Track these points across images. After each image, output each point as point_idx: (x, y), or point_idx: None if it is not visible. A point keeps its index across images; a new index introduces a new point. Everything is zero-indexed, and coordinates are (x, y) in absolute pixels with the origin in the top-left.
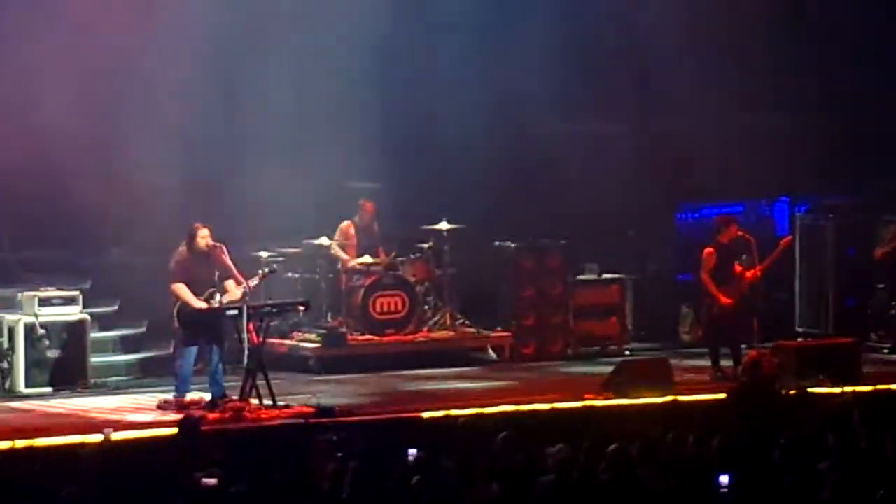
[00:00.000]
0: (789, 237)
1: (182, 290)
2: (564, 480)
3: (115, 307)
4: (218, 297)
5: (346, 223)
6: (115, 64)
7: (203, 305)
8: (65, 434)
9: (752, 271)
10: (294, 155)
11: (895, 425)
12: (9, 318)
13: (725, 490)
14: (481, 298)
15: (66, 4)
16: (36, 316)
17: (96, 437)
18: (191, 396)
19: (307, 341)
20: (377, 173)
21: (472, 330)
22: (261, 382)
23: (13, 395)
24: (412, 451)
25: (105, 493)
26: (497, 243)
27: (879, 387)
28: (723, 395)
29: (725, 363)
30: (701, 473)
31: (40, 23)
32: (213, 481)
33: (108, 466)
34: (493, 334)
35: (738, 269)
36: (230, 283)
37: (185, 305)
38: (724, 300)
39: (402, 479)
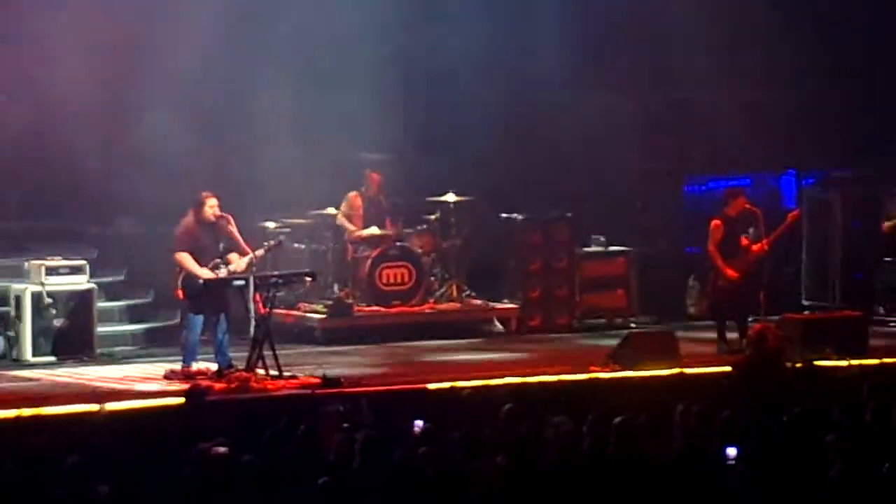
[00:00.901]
0: (797, 211)
1: (186, 259)
2: (569, 452)
3: (122, 277)
4: (224, 267)
5: (352, 194)
6: (122, 34)
7: (208, 275)
8: (71, 403)
9: (759, 244)
10: (301, 126)
11: None
12: (16, 286)
13: (733, 462)
14: (488, 270)
15: None
16: (43, 285)
17: (101, 407)
18: (197, 366)
19: (313, 312)
20: (384, 144)
21: (478, 302)
22: (267, 353)
23: (20, 363)
24: (418, 423)
25: (110, 462)
26: (504, 215)
27: (886, 360)
28: (728, 368)
29: (731, 336)
30: (707, 446)
31: None
32: (223, 449)
33: (113, 435)
34: (499, 306)
35: (745, 242)
36: (235, 255)
37: (191, 275)
38: (731, 273)
39: (408, 450)
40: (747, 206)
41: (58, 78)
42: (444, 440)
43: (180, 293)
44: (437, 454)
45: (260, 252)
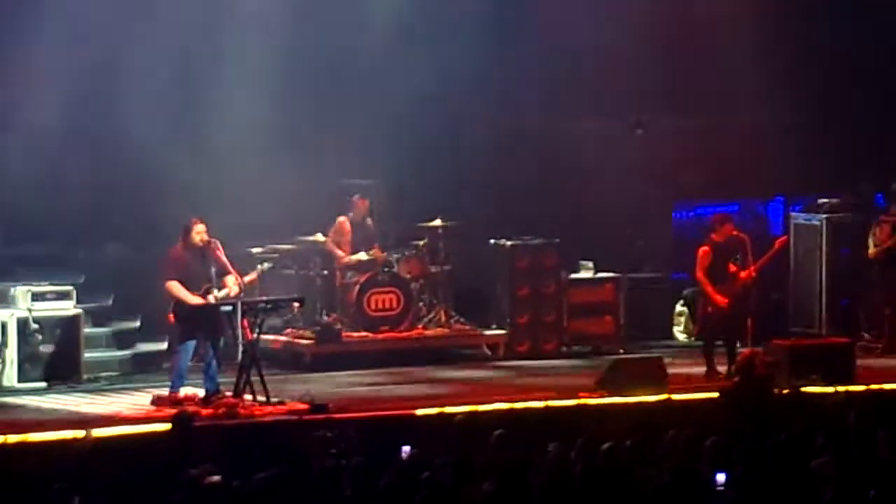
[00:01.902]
0: (784, 237)
1: (176, 287)
2: (558, 478)
3: (109, 302)
4: (214, 292)
5: (341, 219)
6: (107, 58)
7: (198, 301)
8: (57, 429)
9: (747, 271)
10: (290, 152)
11: (888, 425)
12: (2, 312)
13: (722, 488)
14: (476, 296)
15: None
16: (29, 311)
17: (88, 433)
18: (185, 392)
19: (302, 338)
20: (373, 170)
21: (466, 327)
22: (255, 379)
23: (6, 390)
24: (405, 448)
25: (98, 488)
26: (492, 241)
27: (872, 386)
28: (716, 394)
29: (720, 362)
30: (695, 472)
31: (32, 21)
32: (216, 478)
33: (100, 462)
34: (487, 332)
35: (733, 268)
36: (226, 279)
37: (181, 302)
38: (720, 299)
39: (396, 476)
40: (735, 232)
41: (43, 102)
42: (432, 466)
43: (172, 318)
44: (425, 480)
45: (249, 277)
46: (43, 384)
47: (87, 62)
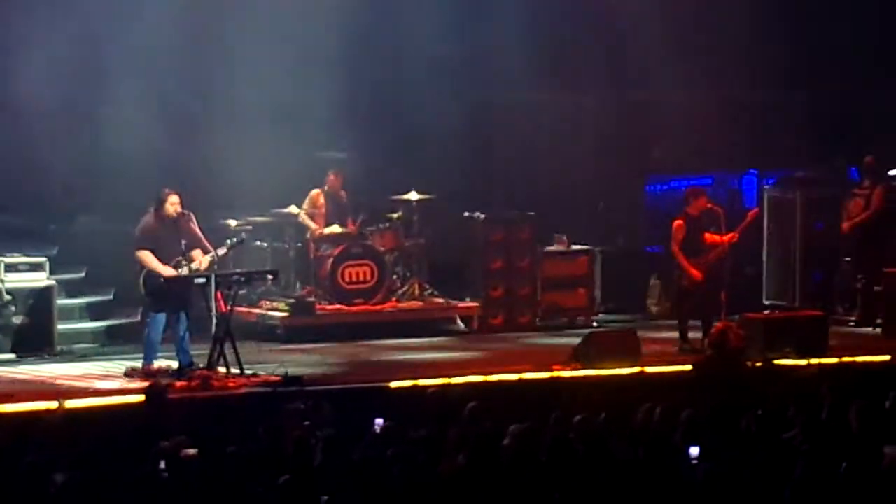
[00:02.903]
0: (756, 209)
1: (148, 256)
2: (531, 450)
3: (82, 274)
4: (186, 265)
5: (315, 192)
6: (84, 31)
7: (170, 272)
8: (30, 401)
9: (730, 235)
10: (263, 123)
11: (859, 398)
12: None
13: (695, 462)
14: (450, 269)
15: None
16: (2, 282)
17: (60, 404)
18: (158, 364)
19: (275, 310)
20: (346, 143)
21: (440, 300)
22: (228, 351)
23: None
24: (378, 421)
25: (70, 460)
26: (466, 214)
27: (845, 359)
28: (689, 367)
29: (694, 335)
30: (669, 444)
31: None
32: (193, 451)
33: (73, 433)
34: (461, 305)
35: (712, 236)
36: (198, 252)
37: (152, 273)
38: (694, 273)
39: (369, 449)
40: (709, 205)
41: (18, 74)
42: (406, 439)
43: (142, 290)
44: (399, 453)
45: (222, 250)
46: (15, 355)
47: (64, 35)
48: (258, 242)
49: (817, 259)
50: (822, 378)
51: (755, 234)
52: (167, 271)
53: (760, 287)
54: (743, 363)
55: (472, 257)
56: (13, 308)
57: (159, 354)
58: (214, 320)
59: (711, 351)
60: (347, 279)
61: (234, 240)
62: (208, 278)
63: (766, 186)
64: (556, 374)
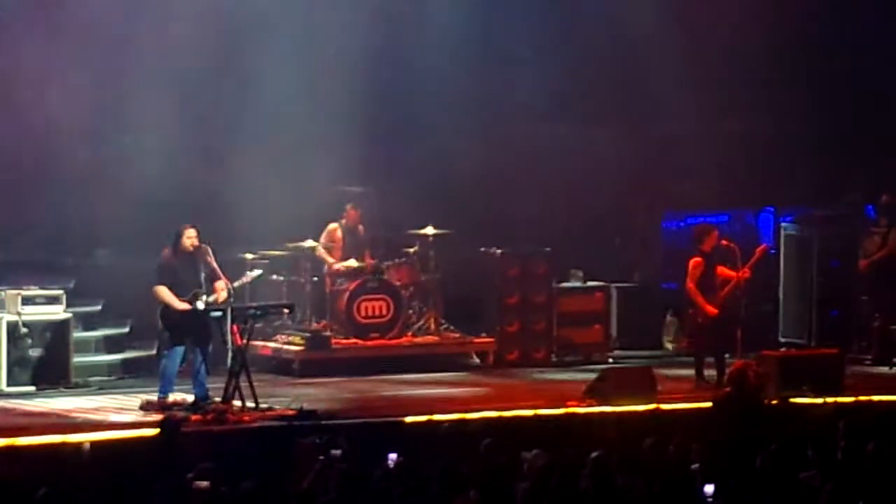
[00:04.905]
0: (765, 245)
1: (164, 292)
2: (543, 487)
3: (99, 307)
4: (203, 298)
5: (332, 226)
6: (104, 64)
7: (185, 307)
8: (46, 434)
9: (742, 270)
10: (281, 158)
11: (876, 436)
12: None
13: (710, 500)
14: (466, 304)
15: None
16: (19, 314)
17: (77, 438)
18: (174, 397)
19: (291, 344)
20: (364, 177)
21: (456, 335)
22: (244, 384)
23: None
24: (392, 456)
25: (85, 493)
26: (482, 249)
27: (861, 398)
28: (706, 404)
29: (709, 372)
30: (684, 482)
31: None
32: (205, 484)
33: (88, 466)
34: (476, 340)
35: (727, 270)
36: (217, 285)
37: (169, 307)
38: (710, 309)
39: (382, 483)
40: (723, 241)
41: (37, 106)
42: (418, 474)
43: (160, 324)
44: (411, 488)
45: (238, 283)
46: (32, 388)
47: (85, 68)
48: (274, 276)
49: (833, 297)
50: (839, 416)
51: (772, 271)
52: (181, 306)
53: (776, 324)
54: (761, 401)
55: (488, 292)
56: (30, 340)
57: (175, 387)
58: (230, 354)
59: (731, 388)
60: (363, 313)
61: (251, 272)
62: (224, 311)
63: (783, 223)
64: (571, 410)
